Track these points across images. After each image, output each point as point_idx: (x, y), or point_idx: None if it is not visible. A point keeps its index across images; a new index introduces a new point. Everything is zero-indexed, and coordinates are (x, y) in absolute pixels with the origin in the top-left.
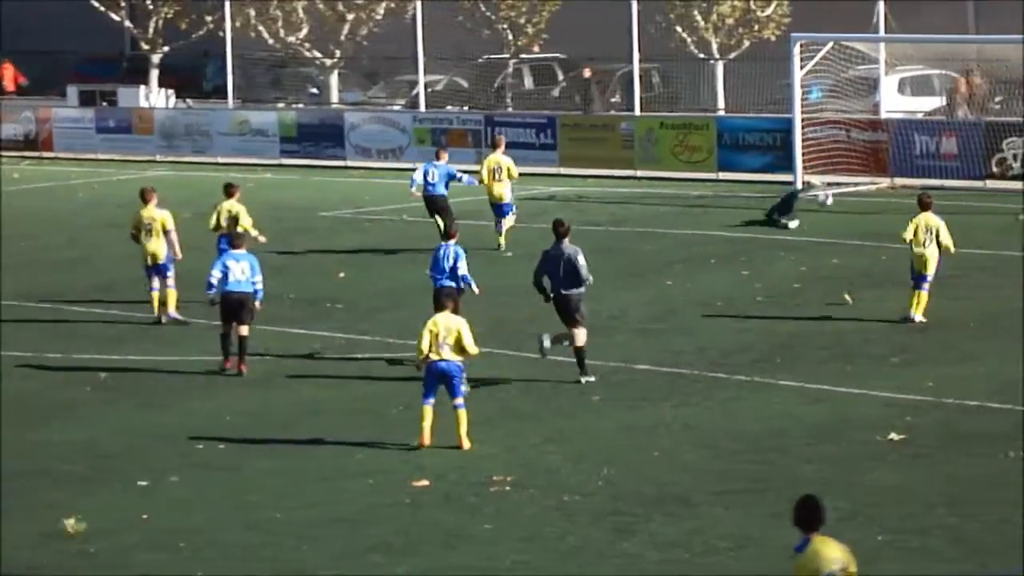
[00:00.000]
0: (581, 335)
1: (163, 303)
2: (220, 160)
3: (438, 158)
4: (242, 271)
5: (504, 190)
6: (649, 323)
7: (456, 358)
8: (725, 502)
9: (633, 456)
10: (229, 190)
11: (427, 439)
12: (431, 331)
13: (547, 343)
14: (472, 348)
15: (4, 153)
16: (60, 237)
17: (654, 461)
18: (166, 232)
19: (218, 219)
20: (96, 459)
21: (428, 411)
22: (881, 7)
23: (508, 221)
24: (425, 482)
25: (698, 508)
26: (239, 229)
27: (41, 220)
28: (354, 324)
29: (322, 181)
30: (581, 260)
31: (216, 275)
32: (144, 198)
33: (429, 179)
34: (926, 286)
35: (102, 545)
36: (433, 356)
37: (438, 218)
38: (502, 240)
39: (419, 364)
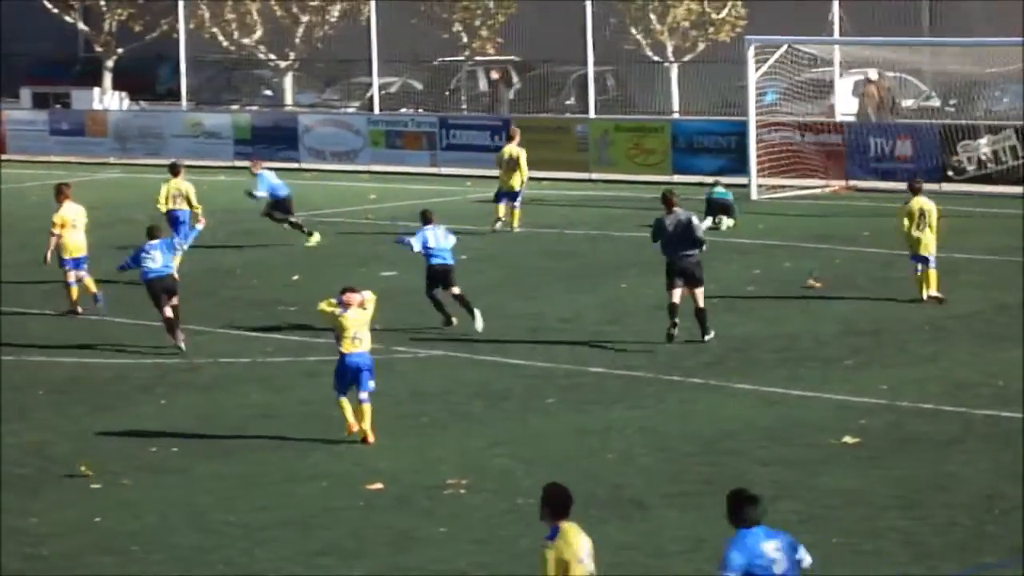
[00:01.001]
0: (700, 295)
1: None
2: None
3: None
4: (161, 256)
5: (516, 179)
6: (602, 326)
7: (367, 351)
8: (679, 504)
9: (587, 458)
10: (175, 169)
11: (355, 426)
12: (345, 326)
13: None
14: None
15: None
16: (11, 240)
17: (608, 463)
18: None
19: (167, 198)
20: (47, 462)
21: (345, 402)
22: (836, 10)
23: (516, 206)
24: (378, 485)
25: (652, 510)
26: (190, 209)
27: None
28: (307, 327)
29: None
30: (696, 221)
31: (144, 260)
32: (62, 195)
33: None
34: (933, 263)
35: (54, 548)
36: (346, 350)
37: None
38: (515, 224)
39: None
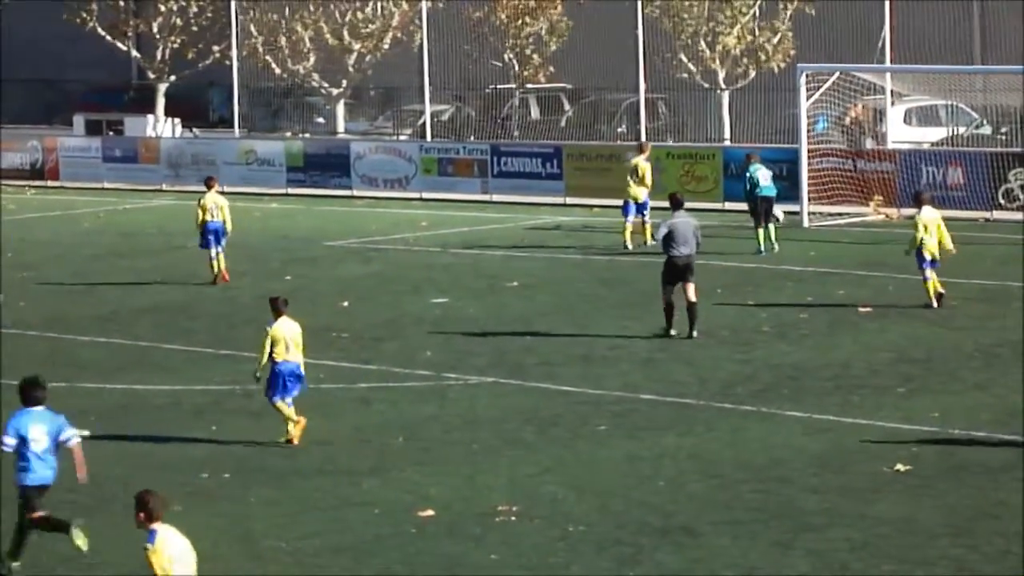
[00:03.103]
0: (692, 290)
1: None
2: (227, 189)
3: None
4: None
5: (640, 191)
6: (653, 352)
7: (299, 359)
8: (730, 532)
9: (638, 486)
10: (209, 182)
11: (299, 425)
12: (276, 337)
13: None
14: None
15: (9, 182)
16: (64, 267)
17: (659, 491)
18: None
19: (203, 212)
20: (99, 488)
21: (283, 406)
22: (887, 38)
23: (647, 218)
24: (429, 512)
25: (703, 538)
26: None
27: (45, 249)
28: (358, 353)
29: (328, 211)
30: (696, 225)
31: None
32: None
33: None
34: (937, 265)
35: (106, 573)
36: (280, 358)
37: None
38: (647, 237)
39: (258, 372)
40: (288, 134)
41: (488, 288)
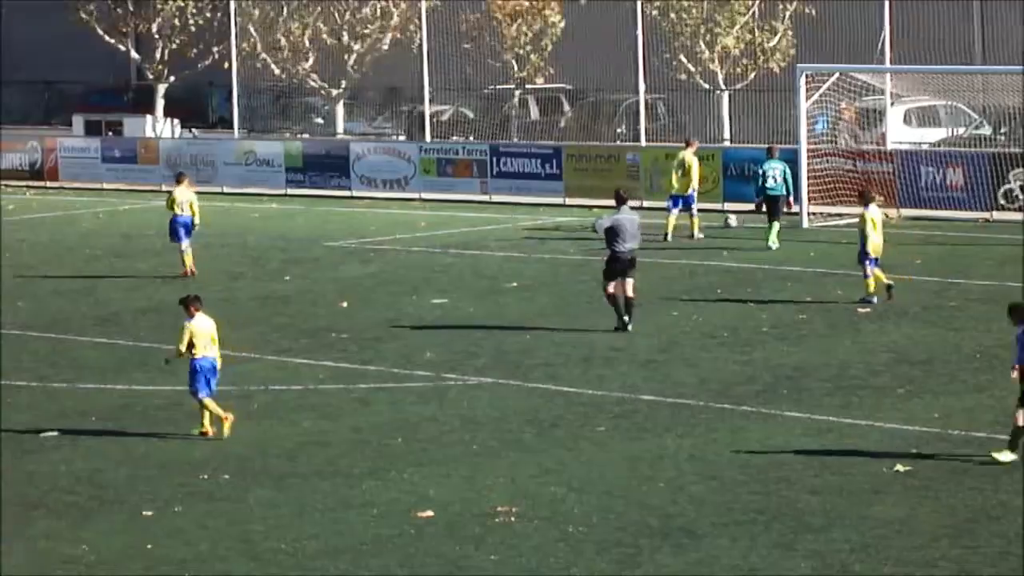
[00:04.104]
0: (631, 285)
1: None
2: (225, 190)
3: None
4: None
5: (685, 184)
6: (653, 354)
7: (213, 355)
8: (731, 533)
9: (638, 487)
10: (179, 178)
11: (228, 421)
12: (193, 332)
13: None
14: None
15: (9, 182)
16: (64, 267)
17: (659, 492)
18: None
19: (172, 203)
20: (98, 489)
21: (210, 402)
22: (887, 38)
23: (694, 213)
24: (429, 513)
25: (703, 539)
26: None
27: (45, 250)
28: (357, 354)
29: (327, 211)
30: (639, 221)
31: None
32: None
33: None
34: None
35: (104, 574)
36: (199, 354)
37: None
38: (696, 230)
39: (170, 357)
40: (287, 135)
41: (488, 289)
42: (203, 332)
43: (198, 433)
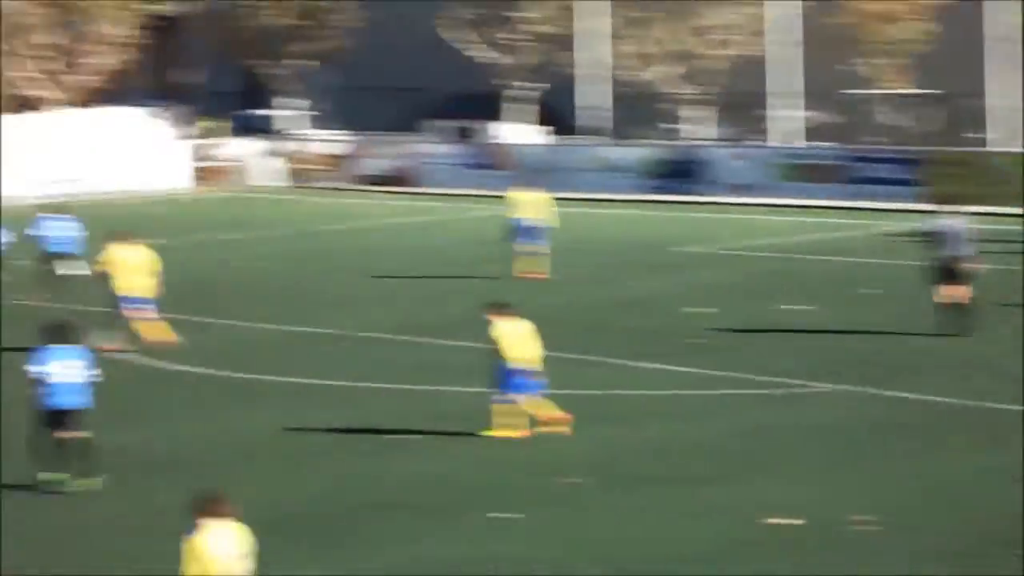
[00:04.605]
0: (965, 291)
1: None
2: (583, 196)
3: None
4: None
5: None
6: (1006, 362)
7: (529, 357)
8: None
9: (992, 497)
10: (525, 183)
11: (559, 418)
12: (505, 335)
13: None
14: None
15: (371, 188)
16: (423, 272)
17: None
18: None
19: (517, 208)
20: (452, 491)
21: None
22: None
23: None
24: (780, 520)
25: None
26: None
27: (405, 255)
28: (710, 359)
29: (682, 216)
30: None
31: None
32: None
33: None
34: None
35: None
36: (511, 356)
37: None
38: None
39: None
40: (644, 141)
41: (843, 295)
42: (515, 334)
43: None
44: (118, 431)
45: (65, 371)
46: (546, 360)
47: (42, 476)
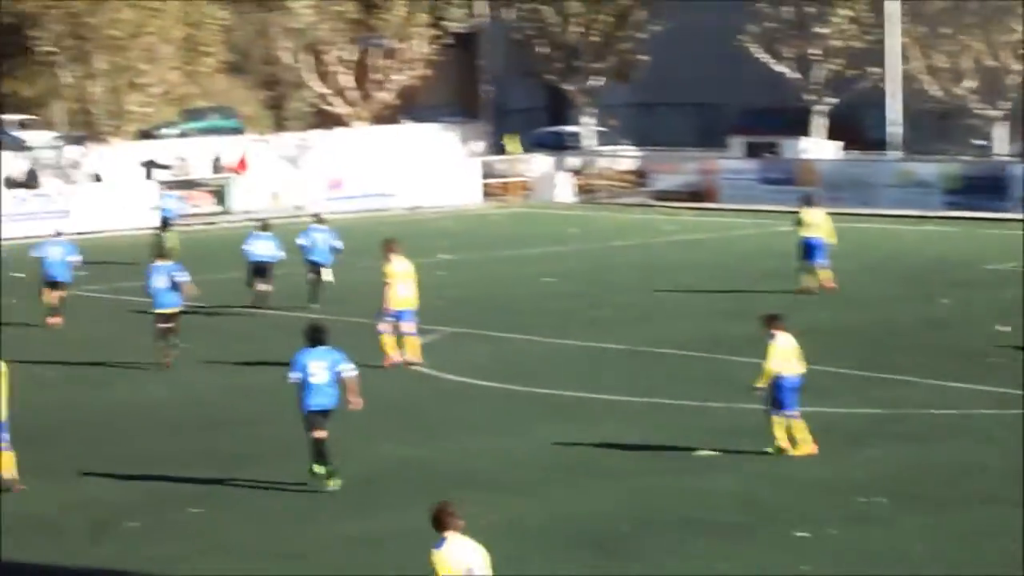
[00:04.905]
0: None
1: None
2: (882, 212)
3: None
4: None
5: None
6: None
7: (798, 372)
8: None
9: None
10: (809, 200)
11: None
12: (777, 351)
13: None
14: None
15: (668, 203)
16: (719, 287)
17: None
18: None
19: (803, 225)
20: (758, 509)
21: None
22: None
23: None
24: None
25: None
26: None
27: (704, 270)
28: (1012, 378)
29: (986, 234)
30: None
31: None
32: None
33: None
34: None
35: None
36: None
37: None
38: None
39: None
40: (946, 156)
41: None
42: (787, 349)
43: (775, 451)
44: (420, 445)
45: (318, 373)
46: (849, 378)
47: (315, 468)
